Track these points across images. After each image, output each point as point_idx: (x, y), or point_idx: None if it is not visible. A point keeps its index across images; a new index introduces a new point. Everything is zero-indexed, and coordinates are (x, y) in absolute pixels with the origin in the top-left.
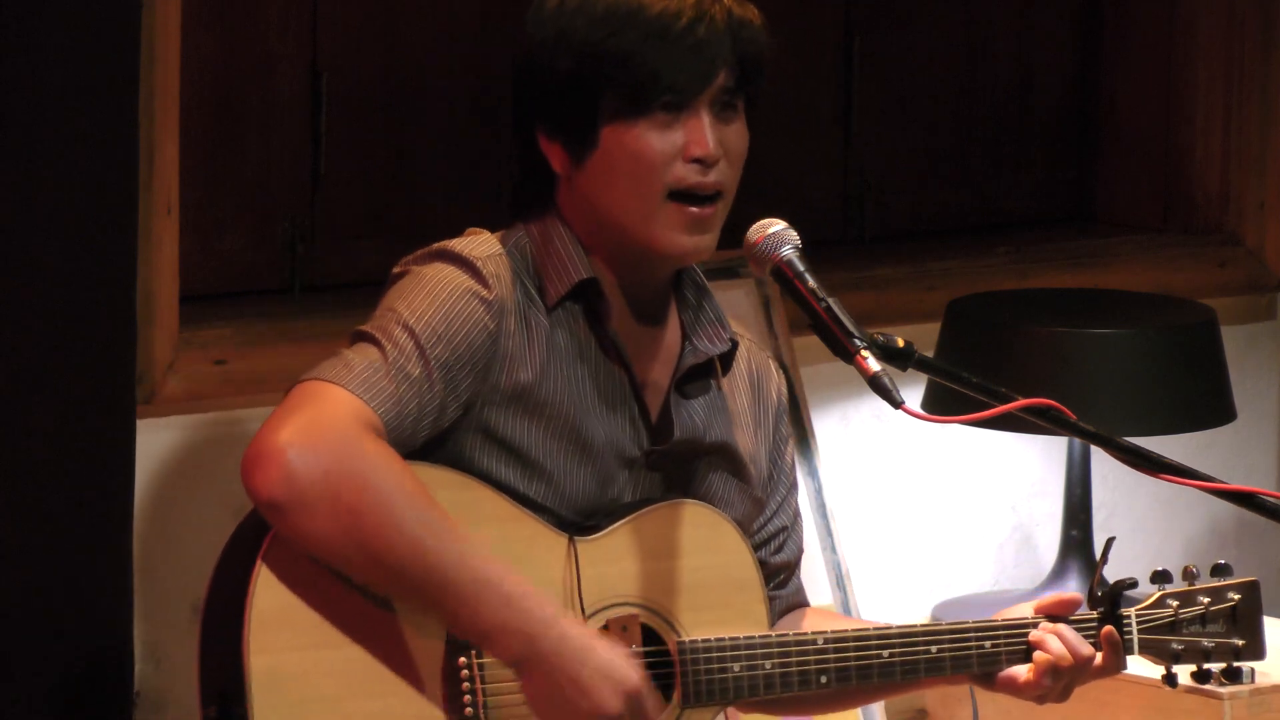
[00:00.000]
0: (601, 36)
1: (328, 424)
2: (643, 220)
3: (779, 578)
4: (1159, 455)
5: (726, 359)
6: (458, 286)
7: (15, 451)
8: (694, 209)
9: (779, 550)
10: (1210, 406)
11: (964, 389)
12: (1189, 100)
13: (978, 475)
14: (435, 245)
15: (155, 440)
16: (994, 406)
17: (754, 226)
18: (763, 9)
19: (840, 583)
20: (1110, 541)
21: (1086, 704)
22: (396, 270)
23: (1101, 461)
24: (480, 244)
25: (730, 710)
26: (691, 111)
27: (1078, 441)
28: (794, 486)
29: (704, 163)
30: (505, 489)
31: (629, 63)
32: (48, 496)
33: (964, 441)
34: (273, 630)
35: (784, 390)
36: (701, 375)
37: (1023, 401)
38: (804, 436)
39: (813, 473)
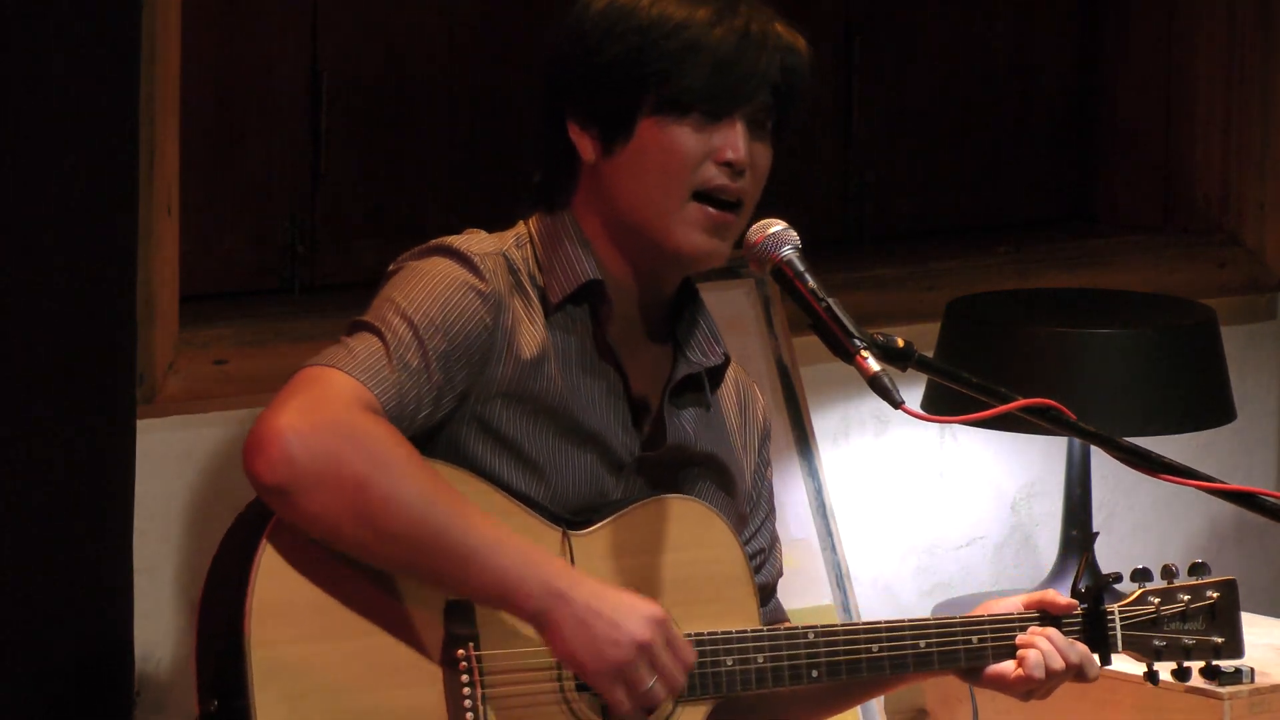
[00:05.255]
0: (656, 37)
1: (327, 405)
2: (664, 216)
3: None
4: (1159, 455)
5: (716, 375)
6: (455, 279)
7: (15, 451)
8: (716, 212)
9: (757, 571)
10: (1210, 406)
11: (964, 389)
12: (1189, 100)
13: (978, 475)
14: (433, 241)
15: (155, 440)
16: (994, 406)
17: (754, 226)
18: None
19: (840, 583)
20: (1094, 536)
21: (1086, 704)
22: (392, 268)
23: (1101, 461)
24: (478, 241)
25: None
26: (728, 120)
27: (1078, 441)
28: (773, 511)
29: (733, 167)
30: (500, 483)
31: (679, 67)
32: (48, 496)
33: (964, 441)
34: (273, 623)
35: (768, 415)
36: (693, 388)
37: (1023, 401)
38: (804, 436)
39: (813, 473)
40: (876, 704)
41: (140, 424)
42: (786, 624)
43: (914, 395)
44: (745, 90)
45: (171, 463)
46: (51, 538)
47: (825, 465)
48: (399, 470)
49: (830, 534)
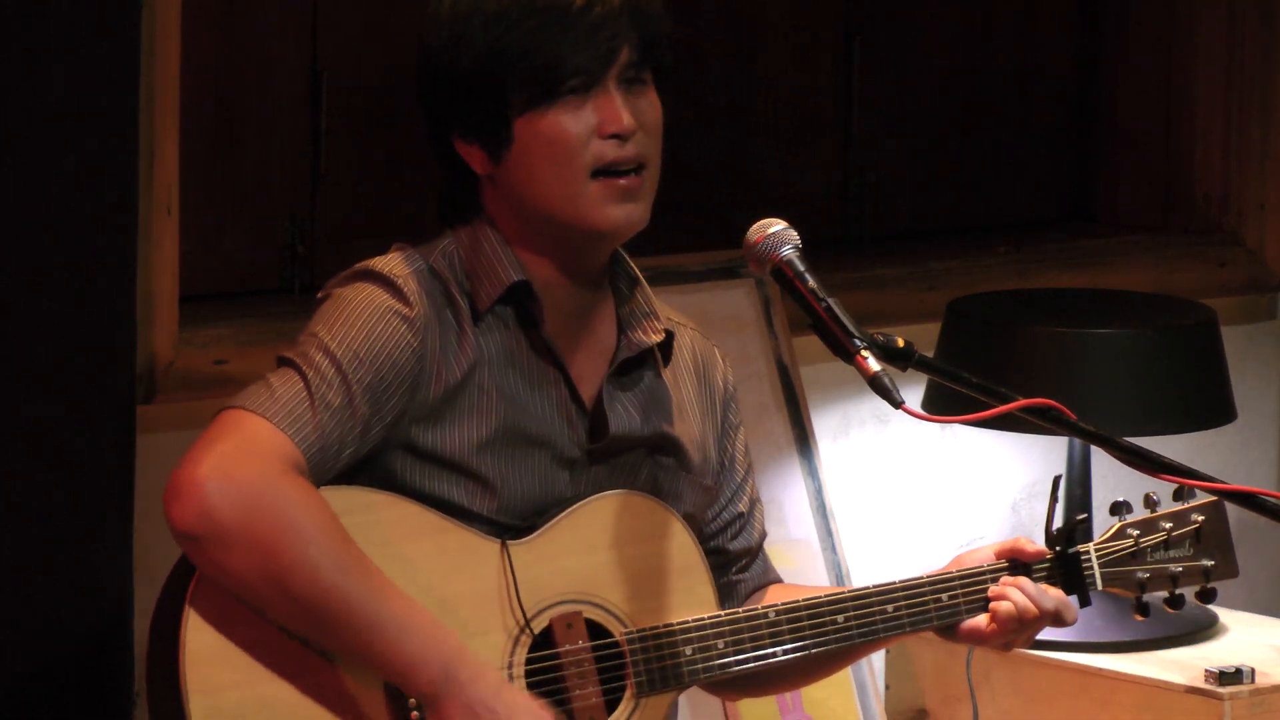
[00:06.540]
0: (500, 32)
1: (248, 458)
2: (571, 203)
3: (741, 562)
4: (1159, 455)
5: (665, 349)
6: (379, 306)
7: (16, 450)
8: (619, 180)
9: (736, 536)
10: (1210, 406)
11: (964, 389)
12: (1189, 100)
13: (978, 475)
14: (357, 265)
15: (155, 440)
16: (994, 406)
17: (754, 226)
18: (763, 10)
19: (840, 583)
20: (1058, 480)
21: (1086, 703)
22: (321, 294)
23: (1101, 461)
24: (402, 261)
25: (730, 708)
26: (600, 90)
27: (1078, 441)
28: (750, 471)
29: (620, 137)
30: (439, 503)
31: (531, 54)
32: (48, 496)
33: (964, 441)
34: (209, 668)
35: (730, 377)
36: (639, 367)
37: (1023, 401)
38: (804, 436)
39: (813, 473)
40: (876, 704)
41: (140, 424)
42: (775, 585)
43: (914, 395)
44: (604, 55)
45: (171, 463)
46: (51, 538)
47: (825, 465)
48: (313, 536)
49: (830, 534)
